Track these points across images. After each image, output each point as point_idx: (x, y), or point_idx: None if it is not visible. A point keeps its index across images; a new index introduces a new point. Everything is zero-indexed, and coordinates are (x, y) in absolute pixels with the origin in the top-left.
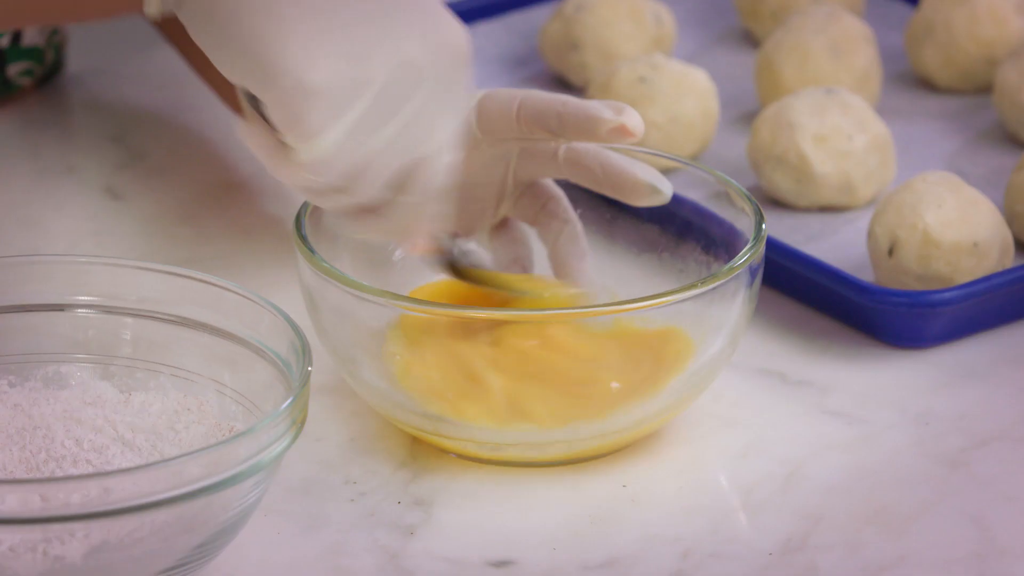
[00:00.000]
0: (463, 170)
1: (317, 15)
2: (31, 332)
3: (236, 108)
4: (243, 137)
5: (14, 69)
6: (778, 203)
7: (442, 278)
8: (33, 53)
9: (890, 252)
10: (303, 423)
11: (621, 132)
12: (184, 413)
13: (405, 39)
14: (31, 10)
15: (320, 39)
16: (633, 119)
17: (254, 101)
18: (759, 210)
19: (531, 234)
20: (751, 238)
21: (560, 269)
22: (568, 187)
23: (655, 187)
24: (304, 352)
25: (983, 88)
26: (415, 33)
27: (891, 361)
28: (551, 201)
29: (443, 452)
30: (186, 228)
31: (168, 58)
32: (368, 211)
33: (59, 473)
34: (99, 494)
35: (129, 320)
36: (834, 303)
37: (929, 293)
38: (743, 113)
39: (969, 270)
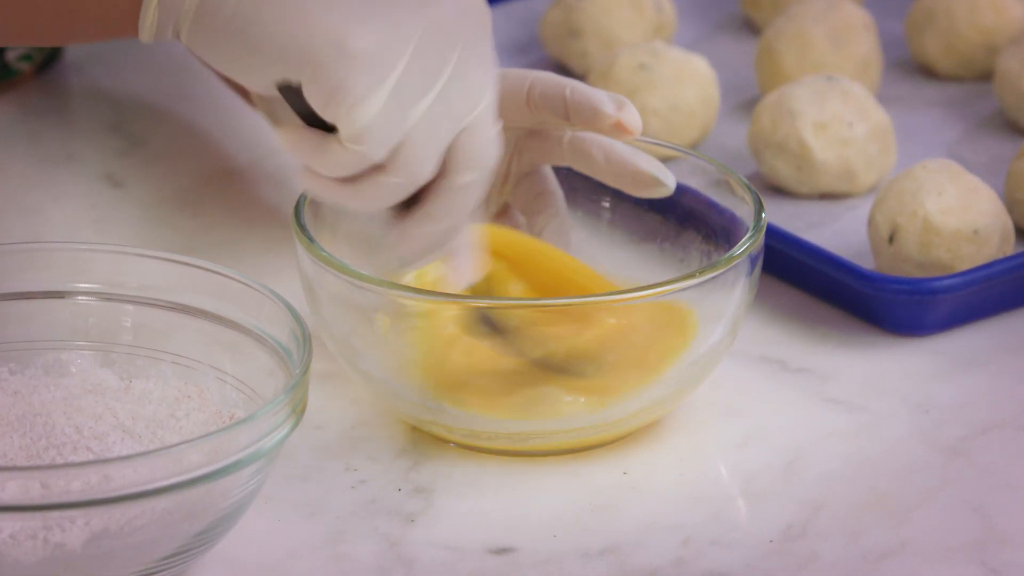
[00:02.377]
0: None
1: None
2: (31, 319)
3: (244, 94)
4: (280, 140)
5: (13, 54)
6: (778, 190)
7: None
8: None
9: (891, 239)
10: (303, 411)
11: (618, 129)
12: (184, 400)
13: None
14: (24, 30)
15: (353, 8)
16: (631, 117)
17: (287, 95)
18: (759, 199)
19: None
20: (751, 227)
21: None
22: (570, 175)
23: (658, 179)
24: (304, 339)
25: (984, 76)
26: None
27: (892, 349)
28: (546, 193)
29: (443, 440)
30: (186, 215)
31: (167, 46)
32: (412, 208)
33: (59, 460)
34: (99, 481)
35: (129, 307)
36: (835, 291)
37: (929, 280)
38: (744, 101)
39: (969, 257)
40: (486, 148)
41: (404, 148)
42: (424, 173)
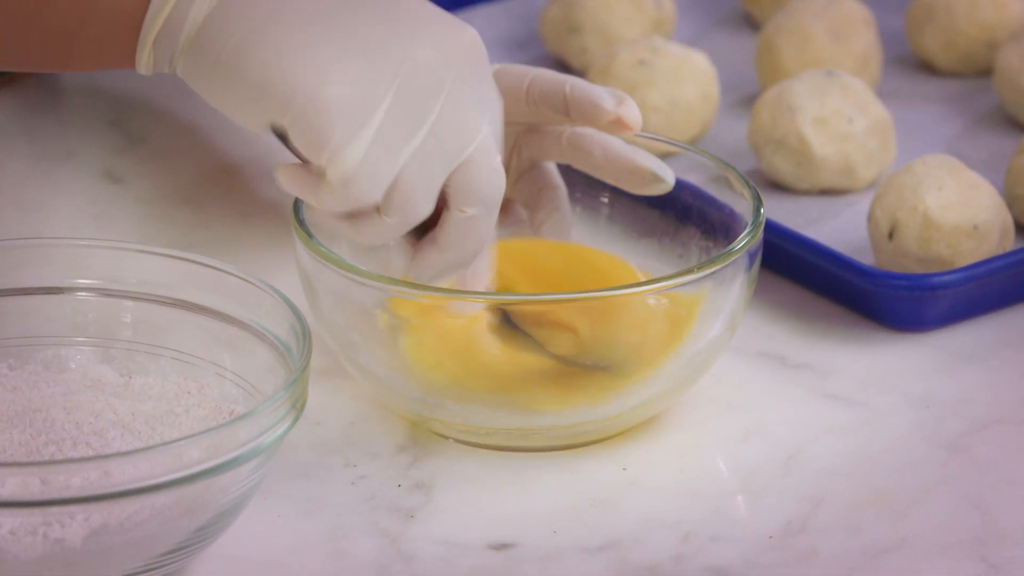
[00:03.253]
0: None
1: (326, 36)
2: (31, 315)
3: None
4: (281, 182)
5: None
6: (778, 186)
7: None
8: None
9: (890, 235)
10: (303, 406)
11: (618, 124)
12: (184, 396)
13: (415, 44)
14: (21, 59)
15: (330, 55)
16: (631, 112)
17: (280, 135)
18: (758, 195)
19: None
20: (749, 223)
21: None
22: (569, 170)
23: (658, 175)
24: (304, 335)
25: (983, 71)
26: (424, 37)
27: (891, 344)
28: (548, 188)
29: (443, 436)
30: (186, 211)
31: None
32: (426, 242)
33: (59, 456)
34: (99, 477)
35: (129, 303)
36: (834, 286)
37: (929, 276)
38: (743, 96)
39: (969, 253)
40: (488, 182)
41: (396, 189)
42: (419, 212)
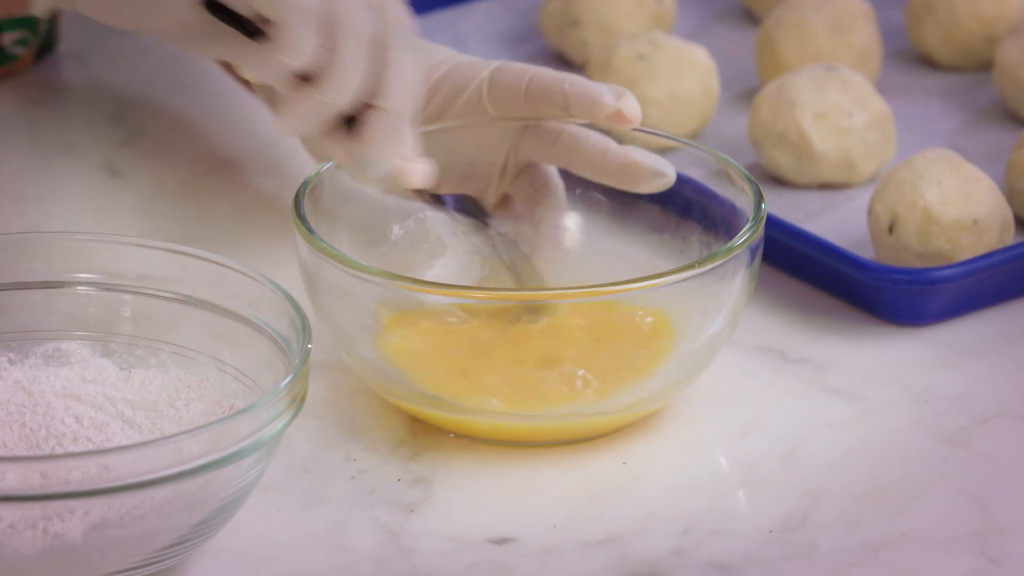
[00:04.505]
0: (469, 147)
1: None
2: (31, 309)
3: (245, 83)
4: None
5: (8, 38)
6: (778, 180)
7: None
8: (26, 22)
9: (890, 229)
10: (303, 401)
11: (618, 118)
12: (184, 390)
13: None
14: None
15: None
16: (631, 106)
17: (217, 13)
18: (759, 190)
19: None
20: (750, 218)
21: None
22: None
23: (659, 171)
24: (304, 330)
25: (983, 65)
26: None
27: (891, 339)
28: (546, 185)
29: (443, 430)
30: (186, 205)
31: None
32: (342, 128)
33: (59, 450)
34: (99, 471)
35: (129, 297)
36: (834, 281)
37: (929, 270)
38: (743, 90)
39: (969, 247)
40: (403, 75)
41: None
42: (308, 49)
